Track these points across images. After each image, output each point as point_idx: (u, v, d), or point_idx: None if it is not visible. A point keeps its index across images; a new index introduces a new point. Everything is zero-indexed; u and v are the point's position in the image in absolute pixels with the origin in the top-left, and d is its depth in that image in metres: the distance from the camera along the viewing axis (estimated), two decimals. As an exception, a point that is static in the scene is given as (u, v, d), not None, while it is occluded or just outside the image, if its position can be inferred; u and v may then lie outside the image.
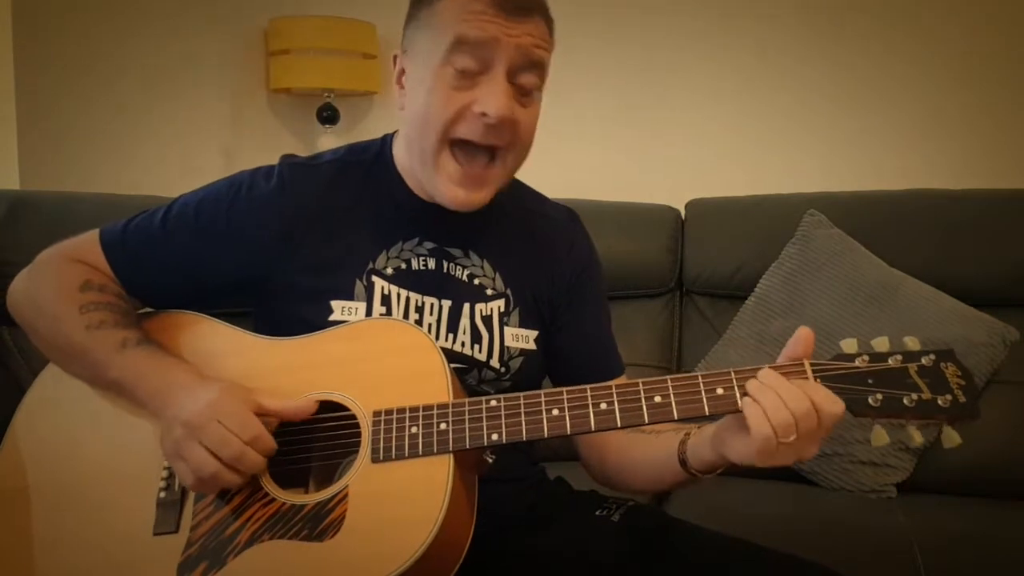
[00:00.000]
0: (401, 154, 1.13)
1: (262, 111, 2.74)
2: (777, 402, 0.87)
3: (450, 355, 1.06)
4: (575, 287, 1.20)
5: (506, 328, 1.13)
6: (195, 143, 2.52)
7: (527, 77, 1.02)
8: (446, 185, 1.05)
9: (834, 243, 1.87)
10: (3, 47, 2.03)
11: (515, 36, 1.00)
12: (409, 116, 1.06)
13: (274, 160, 1.18)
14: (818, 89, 2.41)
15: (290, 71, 2.63)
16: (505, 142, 1.04)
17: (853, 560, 1.35)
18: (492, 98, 1.00)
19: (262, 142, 2.70)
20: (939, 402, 0.89)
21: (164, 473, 1.00)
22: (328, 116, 2.68)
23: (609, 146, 2.57)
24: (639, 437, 1.10)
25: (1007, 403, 1.75)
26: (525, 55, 1.01)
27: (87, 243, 1.12)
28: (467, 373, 1.10)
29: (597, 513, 1.12)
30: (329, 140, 2.65)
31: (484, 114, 1.00)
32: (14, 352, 1.59)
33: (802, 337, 0.92)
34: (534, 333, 1.15)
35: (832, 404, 0.87)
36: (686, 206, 2.11)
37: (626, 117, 2.56)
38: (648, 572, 1.02)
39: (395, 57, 1.09)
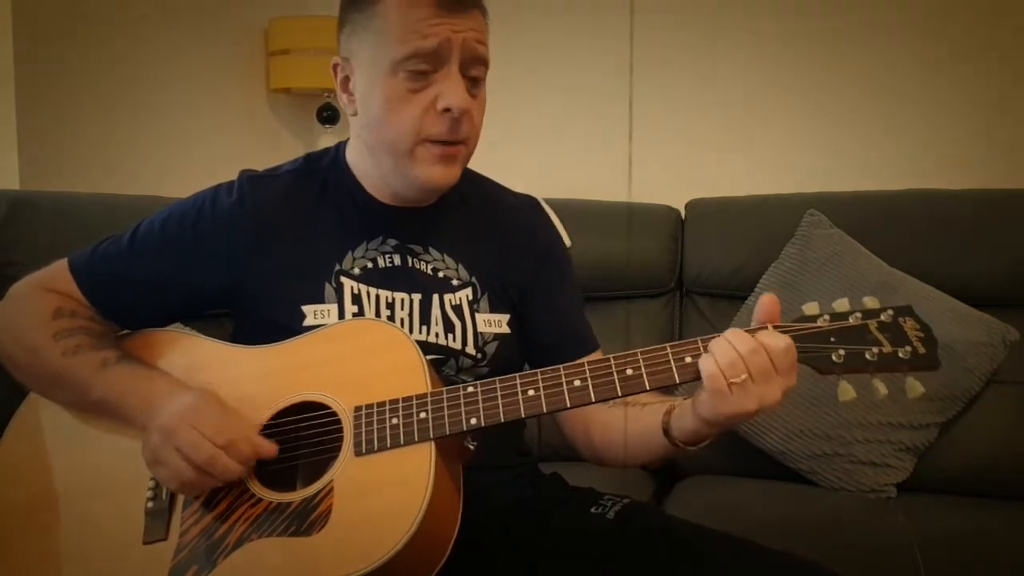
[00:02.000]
0: (355, 159, 1.16)
1: (262, 111, 2.74)
2: (726, 345, 0.92)
3: (425, 347, 1.07)
4: (542, 271, 1.22)
5: (477, 314, 1.14)
6: (195, 143, 2.52)
7: (476, 69, 1.06)
8: (425, 168, 1.07)
9: (834, 243, 1.87)
10: (3, 47, 2.03)
11: (461, 32, 1.03)
12: (367, 122, 1.09)
13: (275, 160, 1.21)
14: (818, 89, 2.40)
15: (290, 71, 2.63)
16: (466, 135, 1.07)
17: (853, 560, 1.36)
18: (452, 93, 1.03)
19: (262, 142, 2.70)
20: (900, 354, 0.92)
21: (151, 483, 1.01)
22: (328, 116, 2.68)
23: (609, 146, 2.56)
24: (624, 412, 1.12)
25: (1007, 403, 1.75)
26: (471, 50, 1.04)
27: (57, 272, 1.14)
28: (444, 364, 1.11)
29: (592, 510, 1.12)
30: (329, 140, 2.64)
31: (448, 109, 1.03)
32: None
33: (766, 303, 0.96)
34: (506, 317, 1.17)
35: (775, 338, 0.92)
36: (686, 206, 2.11)
37: (626, 117, 2.55)
38: (644, 570, 1.02)
39: (335, 66, 1.12)
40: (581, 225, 1.82)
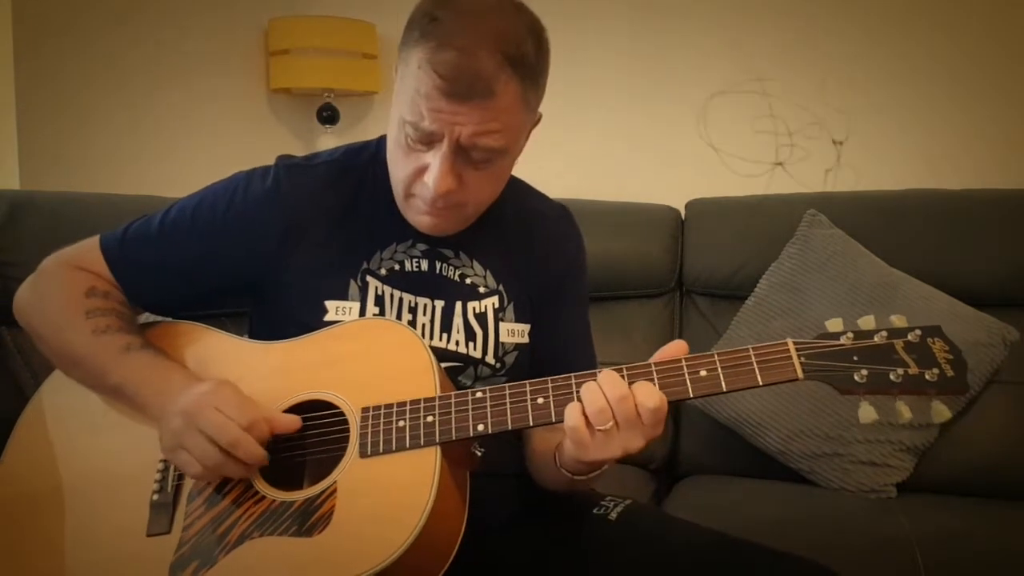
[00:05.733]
0: None
1: (262, 111, 2.74)
2: (596, 393, 0.91)
3: (444, 354, 1.07)
4: (558, 283, 1.20)
5: (502, 324, 1.13)
6: (195, 143, 2.52)
7: (480, 154, 1.01)
8: (414, 216, 1.08)
9: (834, 243, 1.87)
10: (3, 47, 2.03)
11: (463, 124, 0.97)
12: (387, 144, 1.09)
13: (273, 161, 1.19)
14: (819, 89, 2.41)
15: (290, 71, 2.63)
16: (455, 202, 1.04)
17: (853, 560, 1.36)
18: (432, 175, 1.00)
19: (262, 142, 2.70)
20: (926, 376, 0.89)
21: (157, 475, 1.02)
22: (328, 116, 2.68)
23: (609, 146, 2.57)
24: (545, 434, 1.11)
25: (1007, 403, 1.75)
26: (471, 142, 0.99)
27: (88, 250, 1.14)
28: (462, 372, 1.10)
29: (594, 511, 1.12)
30: (329, 140, 2.65)
31: (426, 183, 1.01)
32: (14, 353, 1.60)
33: (669, 351, 0.95)
34: (528, 327, 1.16)
35: (649, 396, 0.90)
36: (686, 206, 2.11)
37: (626, 117, 2.56)
38: (645, 571, 1.02)
39: (397, 67, 1.07)
40: (581, 225, 1.83)
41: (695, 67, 2.50)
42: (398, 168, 1.05)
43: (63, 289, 1.11)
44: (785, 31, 2.42)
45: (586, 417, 0.91)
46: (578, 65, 2.52)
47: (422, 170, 1.02)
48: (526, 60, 0.99)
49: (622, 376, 0.93)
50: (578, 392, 0.94)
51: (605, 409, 0.90)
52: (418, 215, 1.07)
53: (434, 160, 1.00)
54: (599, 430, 0.91)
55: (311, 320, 1.06)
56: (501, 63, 0.97)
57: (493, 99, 0.97)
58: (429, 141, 1.00)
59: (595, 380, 0.92)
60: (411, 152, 1.02)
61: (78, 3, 2.23)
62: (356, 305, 1.08)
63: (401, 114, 1.01)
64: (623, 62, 2.55)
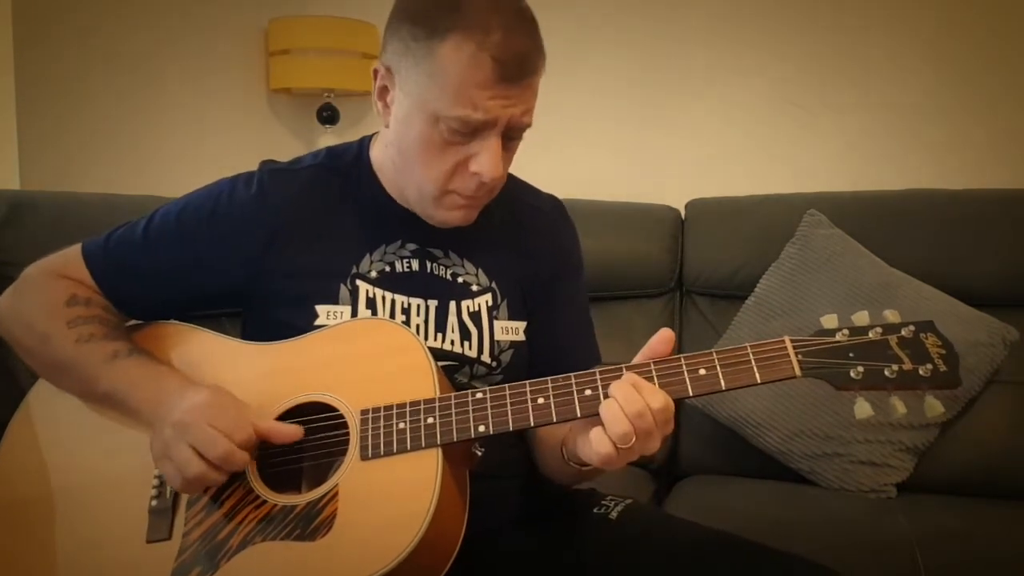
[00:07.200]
0: (381, 161, 1.13)
1: (262, 111, 2.74)
2: (618, 415, 0.89)
3: (439, 354, 1.06)
4: (554, 277, 1.19)
5: (496, 322, 1.13)
6: (195, 143, 2.52)
7: (514, 133, 1.03)
8: (446, 213, 1.06)
9: (834, 243, 1.87)
10: (3, 47, 2.03)
11: (513, 107, 0.99)
12: (398, 147, 1.06)
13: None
14: (819, 89, 2.41)
15: (290, 71, 2.63)
16: (495, 186, 1.06)
17: (853, 560, 1.36)
18: (488, 164, 1.00)
19: (262, 142, 2.70)
20: (920, 372, 0.90)
21: (155, 481, 1.01)
22: (328, 116, 2.68)
23: (609, 146, 2.57)
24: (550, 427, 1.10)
25: (1007, 403, 1.75)
26: (517, 124, 1.01)
27: (70, 258, 1.13)
28: (458, 371, 1.10)
29: (595, 511, 1.12)
30: (329, 140, 2.65)
31: (478, 173, 1.01)
32: (14, 353, 1.59)
33: (664, 338, 0.95)
34: (523, 324, 1.16)
35: (655, 398, 0.90)
36: (686, 206, 2.11)
37: (627, 117, 2.55)
38: (646, 570, 1.03)
39: (376, 71, 1.07)
40: (581, 225, 1.84)
41: (696, 66, 2.49)
42: (430, 168, 1.02)
43: (44, 298, 1.09)
44: (786, 28, 2.42)
45: (611, 440, 0.90)
46: (579, 65, 2.52)
47: (464, 162, 1.01)
48: (538, 29, 1.01)
49: (620, 375, 0.93)
50: (577, 392, 0.94)
51: (629, 433, 0.89)
52: (452, 210, 1.06)
53: (483, 147, 1.00)
54: (621, 448, 0.90)
55: (302, 324, 1.06)
56: (533, 37, 1.00)
57: (535, 76, 1.00)
58: (474, 131, 0.99)
59: (614, 399, 0.90)
60: (447, 147, 1.01)
61: (78, 3, 2.23)
62: (347, 309, 1.07)
63: (434, 111, 0.99)
64: (623, 62, 2.55)
